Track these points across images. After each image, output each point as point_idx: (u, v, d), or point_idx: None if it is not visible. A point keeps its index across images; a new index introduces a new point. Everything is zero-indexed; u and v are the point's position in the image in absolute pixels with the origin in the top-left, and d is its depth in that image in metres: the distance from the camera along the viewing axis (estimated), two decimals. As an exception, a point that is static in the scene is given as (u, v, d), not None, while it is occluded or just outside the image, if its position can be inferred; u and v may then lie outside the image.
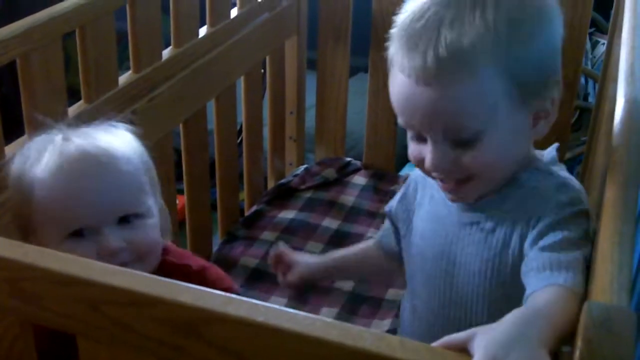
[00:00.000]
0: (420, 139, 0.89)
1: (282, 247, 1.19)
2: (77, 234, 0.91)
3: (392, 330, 1.40)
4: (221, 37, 1.60)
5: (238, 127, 1.80)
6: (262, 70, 1.87)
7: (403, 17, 0.88)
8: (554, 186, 0.89)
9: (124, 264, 0.90)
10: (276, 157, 1.99)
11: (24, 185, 0.93)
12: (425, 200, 1.01)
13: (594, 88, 2.28)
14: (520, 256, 0.86)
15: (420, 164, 0.90)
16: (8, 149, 1.10)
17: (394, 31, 0.89)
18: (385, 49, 0.91)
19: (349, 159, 2.02)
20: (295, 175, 1.95)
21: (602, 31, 2.36)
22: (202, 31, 1.55)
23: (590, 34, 2.35)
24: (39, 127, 1.00)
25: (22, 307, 0.68)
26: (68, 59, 1.19)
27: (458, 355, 0.62)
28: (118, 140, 0.97)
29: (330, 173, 1.96)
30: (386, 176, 1.97)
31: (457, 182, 0.90)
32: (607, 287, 0.60)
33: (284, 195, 1.89)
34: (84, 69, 1.24)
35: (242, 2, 1.69)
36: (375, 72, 1.93)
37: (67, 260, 0.66)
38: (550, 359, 0.63)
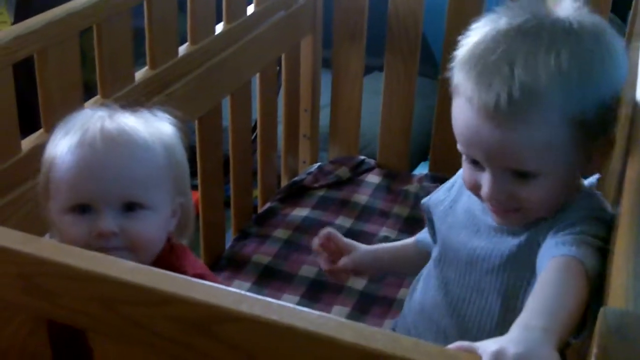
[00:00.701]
0: (477, 165, 0.89)
1: (331, 230, 1.14)
2: (79, 209, 0.92)
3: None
4: (237, 34, 1.60)
5: (252, 124, 1.80)
6: (277, 68, 1.87)
7: (472, 42, 0.87)
8: (582, 195, 0.90)
9: (113, 251, 0.89)
10: (290, 155, 1.99)
11: (48, 158, 0.95)
12: (463, 197, 1.00)
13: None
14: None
15: (474, 188, 0.91)
16: (24, 144, 1.11)
17: (461, 56, 0.88)
18: (448, 69, 0.90)
19: (362, 157, 2.02)
20: (309, 173, 1.95)
21: (620, 33, 2.35)
22: (219, 28, 1.55)
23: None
24: (55, 123, 1.00)
25: (35, 303, 0.68)
26: (83, 55, 1.20)
27: (471, 356, 0.62)
28: (147, 128, 0.97)
29: (343, 172, 1.96)
30: (400, 175, 1.96)
31: (508, 210, 0.90)
32: (622, 294, 0.59)
33: (297, 193, 1.89)
34: (100, 65, 1.25)
35: (258, 0, 1.69)
36: (390, 72, 1.92)
37: (81, 256, 0.67)
38: (559, 354, 0.64)
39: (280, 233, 1.73)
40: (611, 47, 0.87)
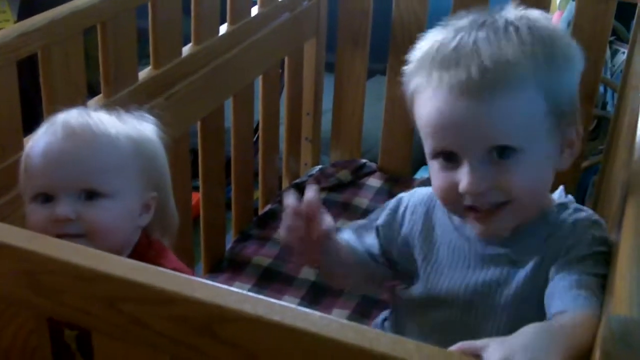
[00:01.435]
0: (452, 163, 0.86)
1: (314, 194, 0.95)
2: (41, 199, 0.93)
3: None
4: (241, 36, 1.60)
5: (254, 126, 1.80)
6: (280, 70, 1.87)
7: (425, 47, 0.87)
8: (590, 222, 0.88)
9: (71, 237, 0.89)
10: (291, 157, 1.99)
11: (23, 155, 0.98)
12: (436, 231, 0.96)
13: (613, 97, 2.26)
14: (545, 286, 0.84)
15: (450, 193, 0.87)
16: (26, 142, 1.11)
17: (416, 61, 0.88)
18: (402, 62, 0.90)
19: (364, 160, 2.02)
20: (310, 176, 1.95)
21: (622, 40, 2.35)
22: (222, 29, 1.55)
23: (610, 42, 2.33)
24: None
25: (38, 301, 0.68)
26: (86, 55, 1.20)
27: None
28: (117, 122, 0.98)
29: (345, 175, 1.96)
30: (401, 179, 1.96)
31: (491, 208, 0.86)
32: (626, 301, 0.59)
33: (298, 195, 1.88)
34: (104, 64, 1.25)
35: (262, 1, 1.69)
36: (393, 76, 1.92)
37: (86, 254, 0.66)
38: None
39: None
40: (569, 42, 0.87)
